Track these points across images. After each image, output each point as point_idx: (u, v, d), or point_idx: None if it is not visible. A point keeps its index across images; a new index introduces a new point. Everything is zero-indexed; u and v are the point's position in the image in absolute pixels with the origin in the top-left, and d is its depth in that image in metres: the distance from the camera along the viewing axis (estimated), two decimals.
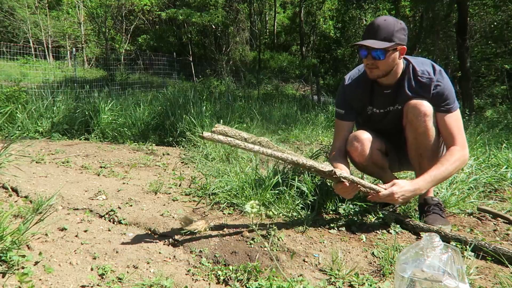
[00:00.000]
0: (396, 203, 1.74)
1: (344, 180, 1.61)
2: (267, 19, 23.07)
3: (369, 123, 1.99)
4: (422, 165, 1.82)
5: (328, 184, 2.05)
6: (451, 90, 1.76)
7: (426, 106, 1.72)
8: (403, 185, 1.65)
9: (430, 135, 1.74)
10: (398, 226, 1.81)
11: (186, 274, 1.37)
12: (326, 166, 1.59)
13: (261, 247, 1.57)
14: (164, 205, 2.05)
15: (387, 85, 1.83)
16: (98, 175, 2.58)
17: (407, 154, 1.91)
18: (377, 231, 1.79)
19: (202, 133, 1.38)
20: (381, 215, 1.90)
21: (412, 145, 1.82)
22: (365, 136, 1.87)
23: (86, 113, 4.48)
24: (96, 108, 4.47)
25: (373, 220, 1.88)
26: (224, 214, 1.97)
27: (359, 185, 1.64)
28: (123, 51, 14.83)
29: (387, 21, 1.67)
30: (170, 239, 1.63)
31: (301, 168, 1.56)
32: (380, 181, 2.17)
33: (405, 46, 1.72)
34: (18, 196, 1.96)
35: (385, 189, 1.65)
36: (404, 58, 1.79)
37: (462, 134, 1.77)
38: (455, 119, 1.76)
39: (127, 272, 1.36)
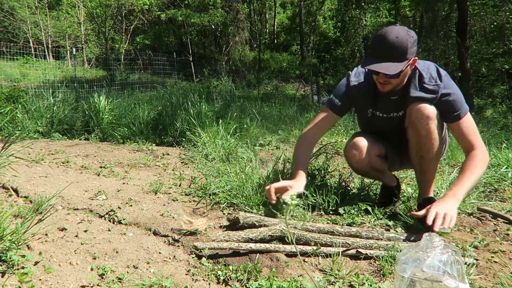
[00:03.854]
0: (451, 222, 1.53)
1: None
2: (267, 19, 23.07)
3: (370, 124, 1.99)
4: (423, 167, 1.82)
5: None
6: (458, 94, 1.73)
7: (429, 109, 1.70)
8: (440, 204, 1.58)
9: (433, 138, 1.74)
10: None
11: (186, 274, 1.37)
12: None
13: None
14: (164, 205, 2.04)
15: (393, 91, 1.81)
16: (98, 175, 2.58)
17: (408, 154, 1.91)
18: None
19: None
20: (380, 215, 1.90)
21: (414, 147, 1.81)
22: (363, 144, 1.88)
23: (86, 113, 4.48)
24: (96, 108, 4.47)
25: (372, 220, 1.88)
26: (224, 214, 1.97)
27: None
28: (123, 51, 14.82)
29: (400, 37, 1.59)
30: (170, 239, 1.63)
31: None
32: (380, 182, 2.18)
33: (416, 57, 1.69)
34: (18, 196, 1.96)
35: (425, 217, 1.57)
36: None
37: (477, 135, 1.76)
38: (467, 123, 1.75)
39: (127, 272, 1.36)
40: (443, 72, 1.74)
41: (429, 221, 1.52)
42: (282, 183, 1.75)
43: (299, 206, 1.32)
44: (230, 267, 1.39)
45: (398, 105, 1.83)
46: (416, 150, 1.81)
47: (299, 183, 1.78)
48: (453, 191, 1.64)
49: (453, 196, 1.62)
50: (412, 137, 1.80)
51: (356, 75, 1.91)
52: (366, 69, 1.79)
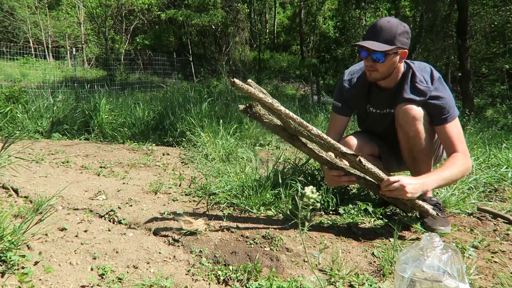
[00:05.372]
0: (404, 195, 1.57)
1: (353, 172, 1.60)
2: (267, 19, 23.07)
3: (367, 121, 1.99)
4: (417, 168, 1.82)
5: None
6: (448, 99, 1.72)
7: (415, 110, 1.71)
8: (409, 177, 1.65)
9: (422, 138, 1.74)
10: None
11: (186, 274, 1.37)
12: (349, 150, 1.60)
13: (261, 247, 1.57)
14: (164, 205, 2.04)
15: (386, 87, 1.83)
16: (98, 175, 2.58)
17: None
18: (377, 231, 1.78)
19: (233, 80, 1.45)
20: (380, 215, 1.90)
21: (405, 148, 1.82)
22: (354, 142, 1.89)
23: (86, 113, 4.49)
24: (96, 108, 4.48)
25: (372, 220, 1.88)
26: (224, 214, 1.97)
27: (365, 177, 1.62)
28: (123, 51, 14.82)
29: (390, 22, 1.64)
30: (170, 239, 1.63)
31: (324, 148, 1.54)
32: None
33: (406, 50, 1.69)
34: (18, 196, 1.96)
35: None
36: (405, 61, 1.78)
37: (463, 142, 1.74)
38: (454, 128, 1.73)
39: (127, 272, 1.36)
40: (436, 75, 1.73)
41: (383, 186, 1.59)
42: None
43: (317, 200, 1.33)
44: (230, 267, 1.39)
45: (391, 101, 1.83)
46: (408, 151, 1.82)
47: None
48: (426, 175, 1.66)
49: (423, 178, 1.62)
50: (402, 138, 1.81)
51: (350, 74, 1.95)
52: (356, 50, 1.83)
